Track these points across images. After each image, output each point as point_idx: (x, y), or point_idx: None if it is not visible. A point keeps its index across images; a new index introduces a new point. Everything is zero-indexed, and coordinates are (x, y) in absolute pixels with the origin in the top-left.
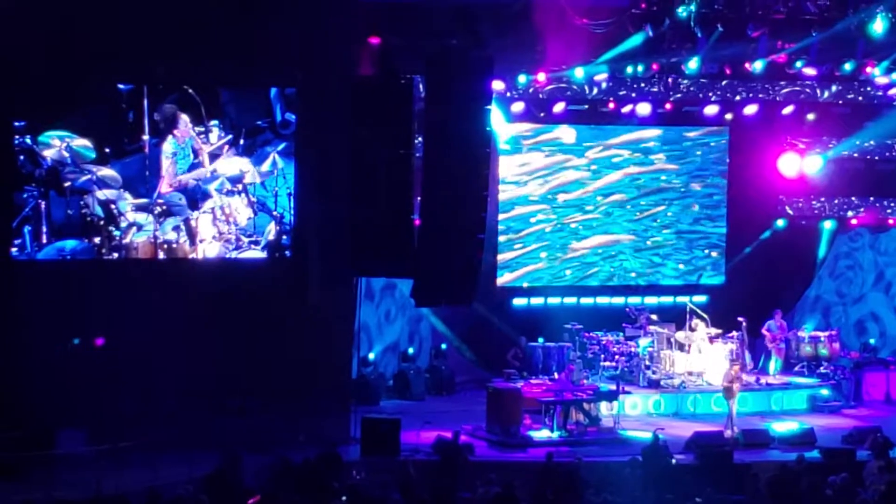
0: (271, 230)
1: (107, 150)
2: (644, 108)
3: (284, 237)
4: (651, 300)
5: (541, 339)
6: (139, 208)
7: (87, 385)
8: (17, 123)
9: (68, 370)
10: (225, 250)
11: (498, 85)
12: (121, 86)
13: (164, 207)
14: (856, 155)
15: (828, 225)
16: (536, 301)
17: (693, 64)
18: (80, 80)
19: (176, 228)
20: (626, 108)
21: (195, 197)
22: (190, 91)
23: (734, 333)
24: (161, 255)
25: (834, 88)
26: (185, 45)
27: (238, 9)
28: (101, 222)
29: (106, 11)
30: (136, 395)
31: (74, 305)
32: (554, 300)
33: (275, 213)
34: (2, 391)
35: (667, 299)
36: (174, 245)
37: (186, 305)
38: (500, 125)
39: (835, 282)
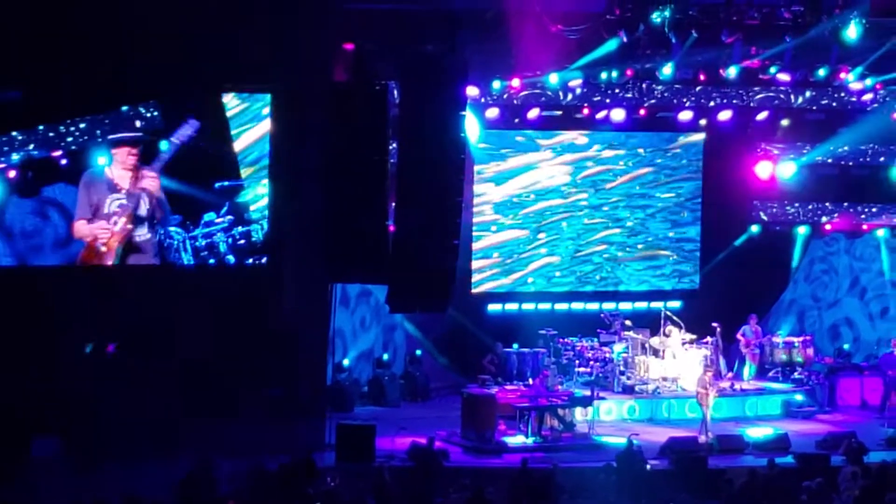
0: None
1: None
2: (618, 114)
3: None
4: (625, 306)
5: (515, 345)
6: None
7: (62, 391)
8: None
9: (44, 375)
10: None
11: (472, 91)
12: None
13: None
14: (830, 160)
15: (802, 230)
16: (511, 307)
17: (667, 70)
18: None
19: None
20: (601, 114)
21: None
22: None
23: (708, 339)
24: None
25: (808, 94)
26: (159, 52)
27: (214, 15)
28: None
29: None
30: (111, 402)
31: (49, 312)
32: (528, 306)
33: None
34: None
35: (641, 305)
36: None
37: (162, 311)
38: (475, 131)
39: (810, 286)
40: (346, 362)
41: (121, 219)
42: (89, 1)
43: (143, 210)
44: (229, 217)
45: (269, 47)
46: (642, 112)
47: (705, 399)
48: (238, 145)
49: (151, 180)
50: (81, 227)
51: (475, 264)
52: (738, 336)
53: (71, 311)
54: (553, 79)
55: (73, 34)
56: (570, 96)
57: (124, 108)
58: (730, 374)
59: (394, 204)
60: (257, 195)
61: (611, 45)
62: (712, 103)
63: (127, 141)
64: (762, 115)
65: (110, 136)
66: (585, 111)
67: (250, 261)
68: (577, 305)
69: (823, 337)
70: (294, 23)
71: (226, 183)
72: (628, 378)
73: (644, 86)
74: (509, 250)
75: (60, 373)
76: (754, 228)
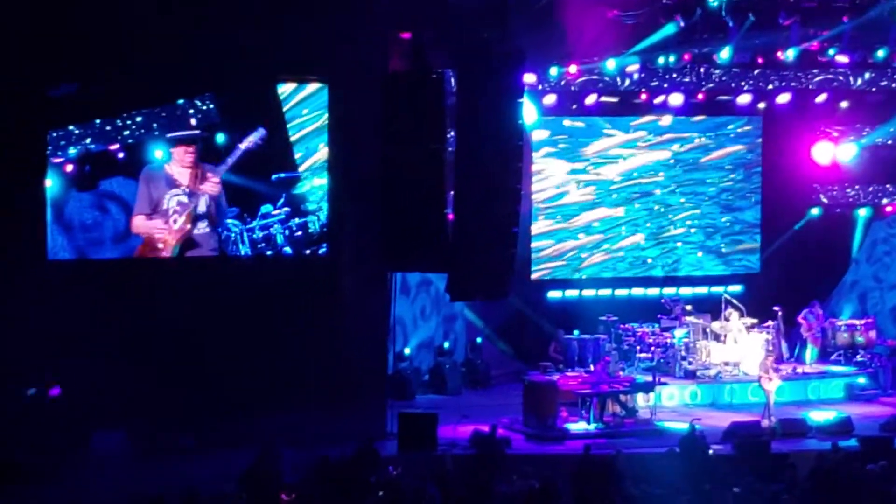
0: None
1: None
2: (676, 99)
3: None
4: (686, 291)
5: (576, 332)
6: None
7: (124, 385)
8: None
9: (104, 370)
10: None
11: (529, 78)
12: None
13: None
14: (890, 142)
15: (863, 212)
16: (571, 293)
17: (725, 53)
18: None
19: None
20: (659, 99)
21: None
22: None
23: (770, 323)
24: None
25: (867, 76)
26: (215, 43)
27: (269, 5)
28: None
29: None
30: (172, 394)
31: (111, 303)
32: (588, 292)
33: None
34: (37, 392)
35: (702, 290)
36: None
37: (224, 302)
38: (533, 117)
39: (872, 267)
40: (407, 351)
41: (181, 217)
42: None
43: (202, 208)
44: (286, 209)
45: (325, 37)
46: (700, 96)
47: (768, 383)
48: (294, 137)
49: (213, 185)
50: (140, 223)
51: (534, 251)
52: (800, 320)
53: (131, 302)
54: (610, 64)
55: (127, 27)
56: (627, 81)
57: (180, 101)
58: (787, 356)
59: (452, 192)
60: (314, 187)
61: (668, 30)
62: (770, 86)
63: (184, 139)
64: (821, 98)
65: (168, 135)
66: (643, 96)
67: (308, 251)
68: (638, 291)
69: (886, 318)
70: (350, 12)
71: (282, 175)
72: (690, 363)
73: (702, 70)
74: (568, 236)
75: (118, 366)
76: (814, 211)
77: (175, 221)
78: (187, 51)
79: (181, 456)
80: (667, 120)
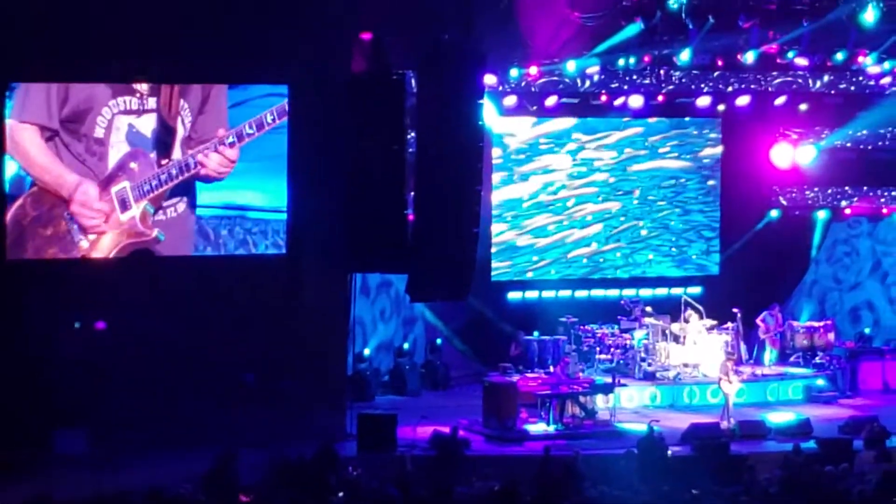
0: None
1: None
2: (636, 101)
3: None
4: (646, 292)
5: (536, 333)
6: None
7: (84, 384)
8: None
9: (65, 369)
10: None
11: (490, 79)
12: None
13: None
14: (849, 144)
15: (822, 215)
16: (531, 295)
17: (685, 55)
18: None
19: None
20: (619, 101)
21: None
22: None
23: (729, 325)
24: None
25: (826, 78)
26: (176, 43)
27: (228, 5)
28: None
29: (93, 7)
30: (130, 393)
31: (71, 303)
32: (548, 293)
33: None
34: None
35: (661, 291)
36: None
37: (183, 302)
38: (493, 119)
39: (832, 267)
40: (366, 352)
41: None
42: None
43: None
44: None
45: (286, 38)
46: (660, 98)
47: (727, 385)
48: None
49: None
50: None
51: (494, 253)
52: (759, 322)
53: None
54: (571, 66)
55: (94, 25)
56: (587, 83)
57: None
58: (746, 358)
59: (413, 193)
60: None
61: (630, 31)
62: (730, 88)
63: None
64: (780, 100)
65: None
66: (603, 98)
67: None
68: (598, 292)
69: (844, 319)
70: (310, 13)
71: None
72: (649, 365)
73: (662, 72)
74: (528, 237)
75: (78, 365)
76: (774, 213)
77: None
78: (144, 50)
79: (141, 455)
80: (626, 121)
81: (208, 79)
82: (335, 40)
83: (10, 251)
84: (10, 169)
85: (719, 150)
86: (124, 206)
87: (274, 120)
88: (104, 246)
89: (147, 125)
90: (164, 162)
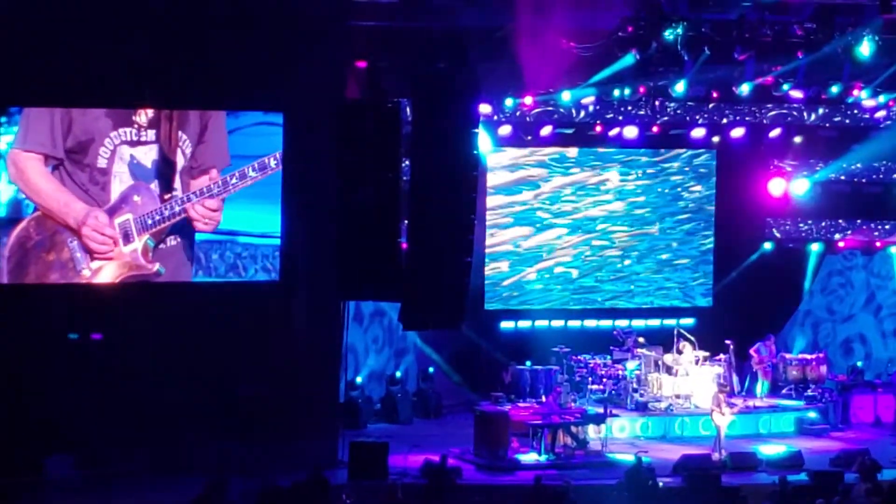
0: None
1: None
2: (631, 132)
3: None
4: (638, 323)
5: (528, 363)
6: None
7: (76, 410)
8: None
9: (57, 395)
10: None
11: (485, 108)
12: None
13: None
14: (843, 178)
15: (815, 247)
16: (524, 324)
17: (680, 87)
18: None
19: None
20: (614, 132)
21: None
22: None
23: (721, 356)
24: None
25: (821, 111)
26: (171, 69)
27: (224, 33)
28: None
29: (92, 35)
30: (123, 421)
31: (62, 330)
32: (541, 323)
33: None
34: None
35: (654, 322)
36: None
37: (172, 327)
38: (487, 148)
39: (826, 298)
40: (358, 380)
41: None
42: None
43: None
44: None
45: (281, 65)
46: (655, 129)
47: (719, 417)
48: None
49: None
50: None
51: (488, 280)
52: (752, 352)
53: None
54: (566, 96)
55: (76, 50)
56: (582, 113)
57: None
58: (738, 390)
59: (406, 221)
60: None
61: (625, 62)
62: (725, 120)
63: None
64: (775, 133)
65: None
66: (598, 128)
67: (263, 277)
68: (590, 322)
69: (836, 350)
70: (305, 41)
71: None
72: (641, 395)
73: (657, 103)
74: (519, 266)
75: (69, 389)
76: (767, 245)
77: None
78: (143, 75)
79: (132, 481)
80: (620, 152)
81: (205, 105)
82: (330, 68)
83: (11, 275)
84: (7, 193)
85: (713, 181)
86: (127, 238)
87: (277, 165)
88: (105, 276)
89: (148, 156)
90: (166, 196)
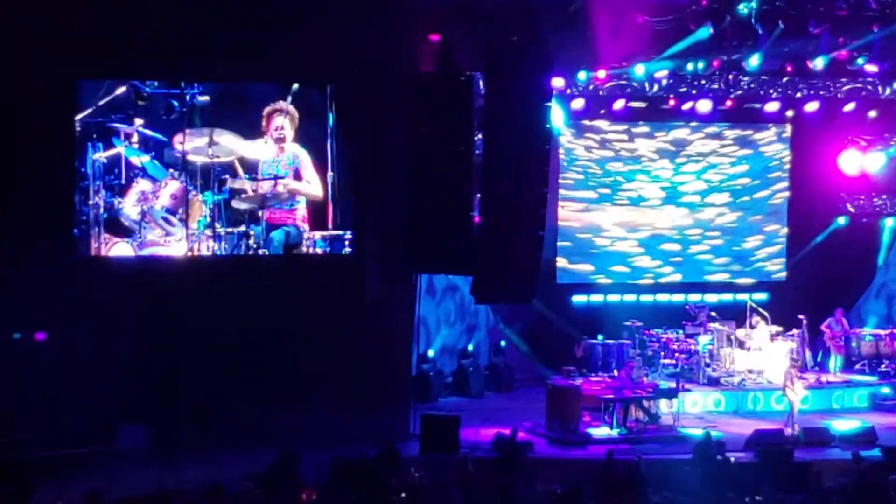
0: None
1: None
2: (704, 105)
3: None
4: (711, 297)
5: (600, 337)
6: None
7: (149, 381)
8: None
9: (130, 367)
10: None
11: (558, 82)
12: None
13: None
14: None
15: (889, 222)
16: (596, 298)
17: (754, 61)
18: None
19: None
20: (687, 105)
21: None
22: None
23: (794, 331)
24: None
25: None
26: (248, 41)
27: (301, 5)
28: None
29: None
30: (197, 392)
31: (141, 302)
32: (613, 297)
33: None
34: (65, 387)
35: (727, 297)
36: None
37: (247, 302)
38: (560, 122)
39: None
40: (430, 353)
41: None
42: None
43: None
44: None
45: (355, 38)
46: (729, 103)
47: (792, 393)
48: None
49: None
50: None
51: (560, 254)
52: (824, 328)
53: (159, 300)
54: (639, 70)
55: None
56: (655, 87)
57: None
58: (815, 367)
59: (479, 195)
60: None
61: (699, 36)
62: (799, 94)
63: None
64: (849, 107)
65: None
66: (671, 102)
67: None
68: (663, 297)
69: None
70: (379, 13)
71: None
72: (714, 370)
73: (731, 77)
74: (592, 241)
75: (143, 363)
76: (841, 220)
77: None
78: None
79: (203, 453)
80: (694, 125)
81: (273, 77)
82: (404, 41)
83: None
84: None
85: (787, 156)
86: None
87: None
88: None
89: None
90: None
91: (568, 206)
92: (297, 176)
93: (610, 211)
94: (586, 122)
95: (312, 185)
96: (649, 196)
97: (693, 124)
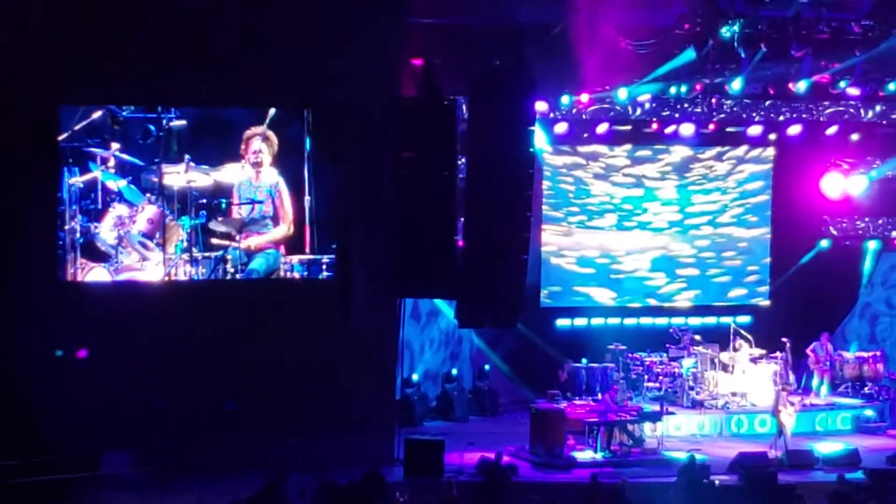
0: None
1: None
2: (687, 129)
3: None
4: (695, 321)
5: (584, 360)
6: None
7: (133, 407)
8: None
9: (114, 392)
10: None
11: (541, 106)
12: None
13: None
14: None
15: (872, 245)
16: (580, 322)
17: (737, 84)
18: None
19: None
20: (670, 129)
21: None
22: None
23: (778, 354)
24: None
25: (878, 108)
26: (226, 65)
27: (279, 30)
28: None
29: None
30: (180, 416)
31: (119, 327)
32: (597, 321)
33: None
34: (48, 412)
35: (710, 320)
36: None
37: (227, 326)
38: (543, 146)
39: (886, 291)
40: (415, 377)
41: None
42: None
43: None
44: None
45: (338, 63)
46: (711, 127)
47: (786, 416)
48: None
49: None
50: None
51: (543, 279)
52: (808, 352)
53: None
54: (622, 94)
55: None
56: (638, 111)
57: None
58: (799, 390)
59: (462, 219)
60: None
61: (682, 59)
62: (782, 118)
63: None
64: (832, 130)
65: None
66: (654, 126)
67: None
68: (646, 320)
69: (893, 346)
70: (362, 38)
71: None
72: (697, 393)
73: (713, 100)
74: (576, 264)
75: (128, 388)
76: (824, 243)
77: None
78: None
79: (189, 478)
80: (677, 149)
81: (256, 102)
82: (387, 66)
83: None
84: None
85: (770, 179)
86: None
87: None
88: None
89: None
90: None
91: (550, 229)
92: (275, 205)
93: (590, 234)
94: (570, 146)
95: (283, 226)
96: (633, 219)
97: (676, 148)
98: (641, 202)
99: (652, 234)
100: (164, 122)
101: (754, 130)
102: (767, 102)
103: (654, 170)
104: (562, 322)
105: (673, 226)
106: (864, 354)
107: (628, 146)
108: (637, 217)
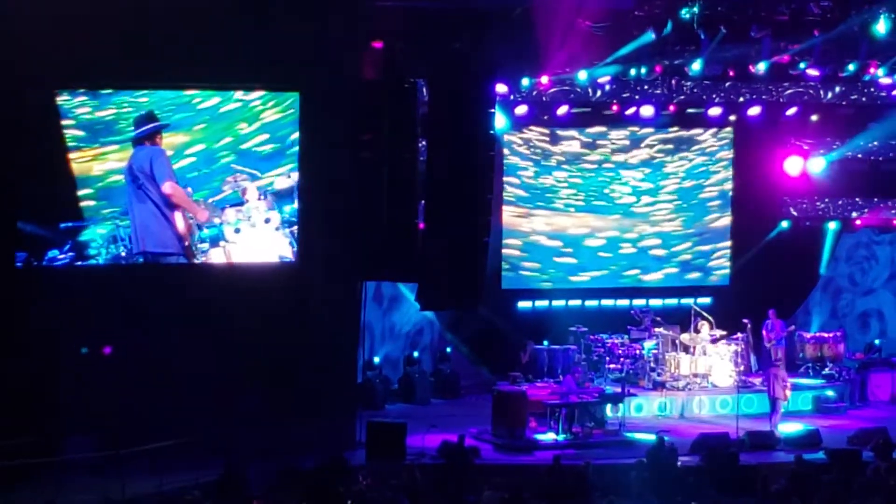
0: None
1: None
2: (647, 110)
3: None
4: (656, 302)
5: (546, 342)
6: None
7: (95, 391)
8: None
9: (76, 376)
10: None
11: (501, 88)
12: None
13: None
14: (860, 156)
15: (832, 226)
16: (541, 304)
17: (696, 66)
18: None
19: None
20: (630, 111)
21: None
22: None
23: (739, 335)
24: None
25: (837, 89)
26: (184, 48)
27: (240, 12)
28: None
29: (96, 12)
30: (142, 402)
31: (84, 311)
32: (559, 303)
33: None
34: (10, 397)
35: (671, 301)
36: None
37: (191, 310)
38: (504, 127)
39: (850, 268)
40: (376, 360)
41: None
42: None
43: None
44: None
45: (298, 46)
46: (671, 108)
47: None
48: None
49: None
50: None
51: (505, 260)
52: (763, 332)
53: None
54: (582, 75)
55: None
56: (599, 93)
57: None
58: (759, 371)
59: (423, 202)
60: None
61: (642, 41)
62: (741, 99)
63: None
64: (791, 111)
65: None
66: (615, 107)
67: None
68: (608, 302)
69: (853, 323)
70: (322, 21)
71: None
72: (659, 374)
73: (673, 82)
74: (537, 246)
75: (89, 373)
76: (784, 224)
77: None
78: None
79: (150, 464)
80: (637, 131)
81: (220, 84)
82: (348, 49)
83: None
84: None
85: (730, 160)
86: None
87: None
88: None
89: None
90: None
91: (511, 211)
92: None
93: (552, 216)
94: (530, 128)
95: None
96: (595, 201)
97: (636, 129)
98: (602, 184)
99: (613, 216)
100: None
101: (714, 111)
102: (727, 84)
103: (615, 151)
104: (523, 304)
105: (633, 207)
106: (825, 335)
107: (588, 128)
108: (597, 199)
